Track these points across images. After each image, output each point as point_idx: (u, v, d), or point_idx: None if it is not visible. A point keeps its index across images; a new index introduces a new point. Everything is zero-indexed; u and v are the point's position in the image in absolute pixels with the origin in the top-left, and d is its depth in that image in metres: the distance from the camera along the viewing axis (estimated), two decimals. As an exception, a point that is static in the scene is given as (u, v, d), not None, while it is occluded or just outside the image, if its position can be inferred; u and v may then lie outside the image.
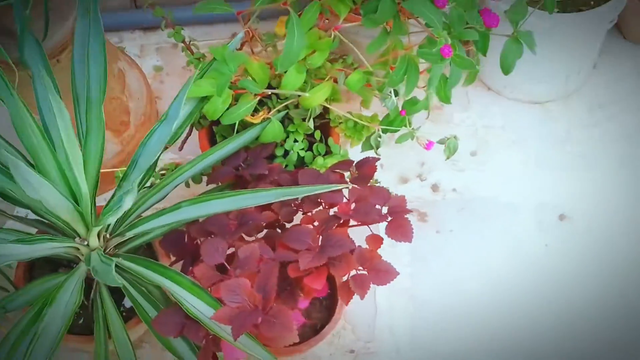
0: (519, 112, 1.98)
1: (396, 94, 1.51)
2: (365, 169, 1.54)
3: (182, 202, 1.39)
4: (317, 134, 1.63)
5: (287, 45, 1.36)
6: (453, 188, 1.87)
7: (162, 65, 2.07)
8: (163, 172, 1.60)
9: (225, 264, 1.35)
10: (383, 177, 1.86)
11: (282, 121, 1.58)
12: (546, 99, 1.97)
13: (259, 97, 1.49)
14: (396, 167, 1.88)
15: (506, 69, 1.46)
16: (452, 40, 1.37)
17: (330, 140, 1.63)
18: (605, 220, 1.81)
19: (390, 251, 1.45)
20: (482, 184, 1.88)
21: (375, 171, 1.55)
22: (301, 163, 1.63)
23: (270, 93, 1.50)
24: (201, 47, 1.66)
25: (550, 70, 1.89)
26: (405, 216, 1.46)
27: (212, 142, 1.67)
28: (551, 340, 1.67)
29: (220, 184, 1.56)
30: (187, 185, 1.56)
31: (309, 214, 1.47)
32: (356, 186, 1.47)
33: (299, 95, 1.52)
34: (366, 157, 1.54)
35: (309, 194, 1.38)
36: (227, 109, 1.47)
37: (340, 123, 1.64)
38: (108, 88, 1.74)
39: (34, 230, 1.44)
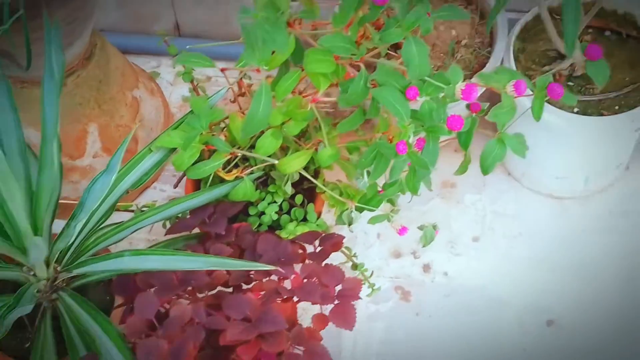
0: (533, 203, 1.88)
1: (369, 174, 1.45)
2: (328, 245, 1.49)
3: (125, 251, 1.37)
4: (298, 199, 1.60)
5: (251, 112, 1.33)
6: (445, 272, 1.79)
7: (191, 96, 2.07)
8: (145, 208, 1.60)
9: (154, 321, 1.33)
10: (377, 248, 1.83)
11: (265, 180, 1.54)
12: (564, 195, 1.87)
13: (230, 156, 1.46)
14: (393, 240, 1.82)
15: (485, 169, 1.39)
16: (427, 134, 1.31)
17: (311, 207, 1.59)
18: (594, 337, 1.69)
19: (366, 326, 1.48)
20: (476, 273, 1.79)
21: (340, 248, 1.51)
22: (278, 225, 1.59)
23: (239, 154, 1.46)
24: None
25: (568, 168, 1.80)
26: (352, 302, 1.41)
27: (199, 186, 1.65)
28: None
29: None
30: (164, 226, 1.56)
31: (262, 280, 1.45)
32: (310, 262, 1.43)
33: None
34: (332, 234, 1.51)
35: (236, 269, 1.34)
36: (199, 162, 1.46)
37: (325, 191, 1.59)
38: (117, 115, 1.79)
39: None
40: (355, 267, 1.58)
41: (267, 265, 1.33)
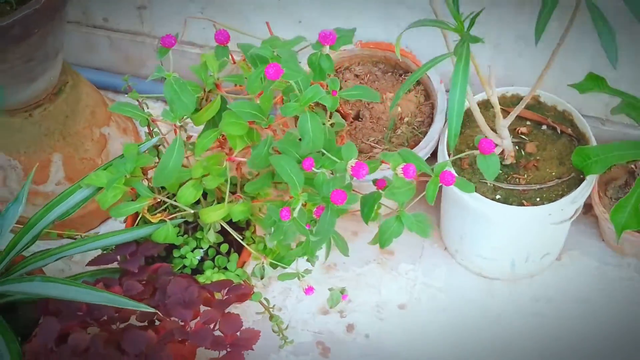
0: (463, 280, 1.92)
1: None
2: (234, 295, 1.55)
3: (36, 276, 1.45)
4: (224, 247, 1.67)
5: (162, 163, 1.41)
6: (366, 333, 1.84)
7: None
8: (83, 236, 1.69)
9: (54, 347, 1.40)
10: (308, 303, 1.87)
11: (196, 226, 1.62)
12: (493, 275, 1.90)
13: (153, 200, 1.53)
14: (324, 296, 1.86)
15: (382, 243, 1.44)
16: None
17: (234, 256, 1.66)
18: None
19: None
20: (396, 339, 1.83)
21: (246, 299, 1.56)
22: (202, 269, 1.65)
23: (159, 200, 1.54)
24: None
25: (495, 251, 1.84)
26: (243, 353, 1.46)
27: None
28: None
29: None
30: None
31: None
32: (208, 308, 1.49)
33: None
34: (240, 285, 1.57)
35: (123, 307, 1.40)
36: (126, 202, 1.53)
37: (252, 242, 1.65)
38: (82, 149, 1.88)
39: None
40: (271, 318, 1.63)
41: (149, 307, 1.39)
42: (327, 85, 1.42)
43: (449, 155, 1.69)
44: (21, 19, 1.52)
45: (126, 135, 2.02)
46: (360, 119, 1.83)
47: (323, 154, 1.36)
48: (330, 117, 1.53)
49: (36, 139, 1.84)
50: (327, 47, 1.35)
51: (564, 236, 1.85)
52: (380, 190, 1.44)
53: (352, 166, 1.33)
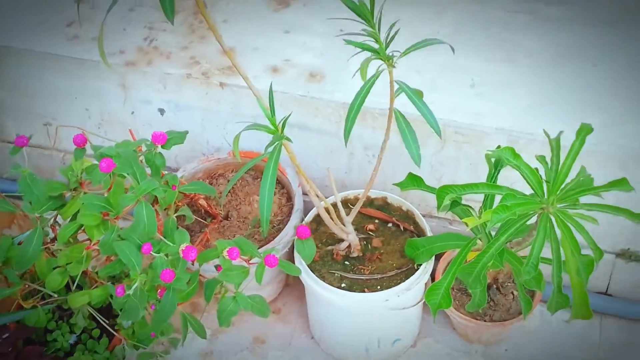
0: None
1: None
2: None
3: None
4: (95, 332, 1.76)
5: (23, 250, 1.53)
6: None
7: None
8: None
9: None
10: None
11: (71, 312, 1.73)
12: None
13: (25, 287, 1.66)
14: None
15: (220, 322, 1.55)
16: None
17: (104, 341, 1.76)
18: None
19: None
20: None
21: None
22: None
23: (28, 286, 1.66)
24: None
25: (348, 336, 1.95)
26: None
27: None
28: None
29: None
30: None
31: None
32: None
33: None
34: None
35: None
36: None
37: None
38: None
39: None
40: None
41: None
42: (166, 181, 1.57)
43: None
44: None
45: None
46: (229, 219, 1.98)
47: (160, 240, 1.50)
48: (176, 211, 1.67)
49: None
50: (159, 146, 1.51)
51: (415, 324, 1.97)
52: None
53: (182, 249, 1.48)
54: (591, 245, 1.46)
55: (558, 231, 1.46)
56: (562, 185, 1.47)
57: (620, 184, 1.43)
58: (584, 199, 1.46)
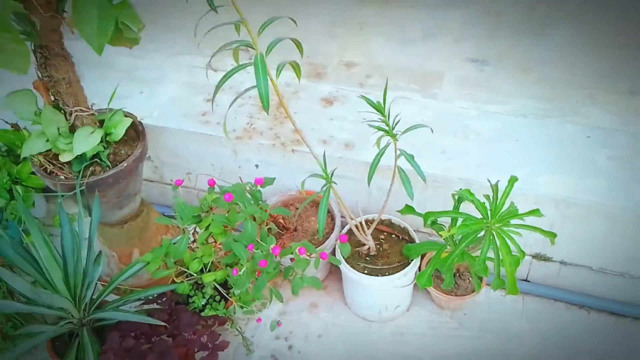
0: (354, 321, 1.97)
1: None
2: (218, 321, 1.69)
3: (111, 306, 1.62)
4: (217, 298, 1.79)
5: (176, 247, 1.59)
6: (299, 351, 1.90)
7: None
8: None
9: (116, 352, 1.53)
10: (266, 329, 1.95)
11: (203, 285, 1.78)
12: (371, 319, 1.99)
13: (177, 269, 1.72)
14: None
15: (293, 292, 1.58)
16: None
17: (222, 303, 1.79)
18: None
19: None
20: (315, 352, 1.87)
21: (224, 324, 1.69)
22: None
23: (179, 269, 1.72)
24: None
25: (368, 304, 1.95)
26: (218, 353, 1.57)
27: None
28: None
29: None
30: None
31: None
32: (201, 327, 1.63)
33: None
34: (224, 317, 1.70)
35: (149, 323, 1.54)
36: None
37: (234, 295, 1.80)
38: (150, 246, 2.01)
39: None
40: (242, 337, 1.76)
41: (166, 324, 1.53)
42: (261, 207, 1.64)
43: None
44: (113, 174, 1.66)
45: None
46: (296, 231, 2.00)
47: (258, 242, 1.56)
48: (267, 225, 1.72)
49: (125, 240, 1.95)
50: (259, 186, 1.57)
51: (409, 297, 1.97)
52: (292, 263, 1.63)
53: (271, 248, 1.53)
54: (517, 250, 1.49)
55: (497, 240, 1.49)
56: (500, 213, 1.50)
57: (535, 212, 1.47)
58: (513, 221, 1.49)
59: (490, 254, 1.47)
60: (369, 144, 1.98)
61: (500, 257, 1.46)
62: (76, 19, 1.30)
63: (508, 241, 1.45)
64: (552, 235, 1.48)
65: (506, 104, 2.13)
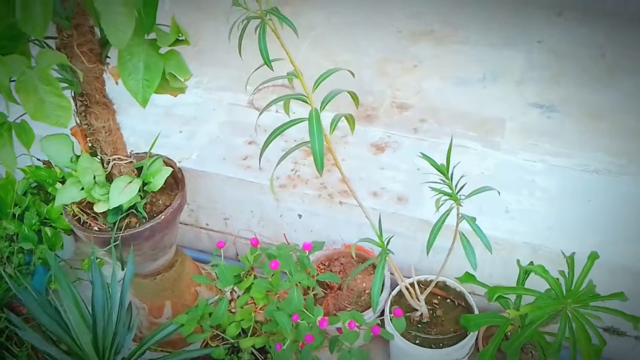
0: None
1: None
2: None
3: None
4: None
5: (216, 312, 1.53)
6: None
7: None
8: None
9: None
10: None
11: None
12: None
13: (212, 333, 1.65)
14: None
15: None
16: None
17: None
18: None
19: None
20: None
21: None
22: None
23: (214, 332, 1.65)
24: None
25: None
26: None
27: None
28: None
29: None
30: None
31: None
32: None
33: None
34: None
35: None
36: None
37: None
38: (183, 299, 1.98)
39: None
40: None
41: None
42: (309, 272, 1.57)
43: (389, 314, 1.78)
44: (150, 227, 1.63)
45: (211, 291, 2.14)
46: (341, 290, 1.94)
47: (303, 312, 1.49)
48: (313, 290, 1.65)
49: (157, 292, 1.92)
50: (307, 252, 1.51)
51: None
52: (339, 334, 1.55)
53: (319, 320, 1.46)
54: (597, 336, 1.38)
55: (574, 323, 1.39)
56: (577, 293, 1.40)
57: (619, 296, 1.36)
58: (592, 303, 1.39)
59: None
60: (424, 198, 1.90)
61: (578, 348, 1.36)
62: (121, 69, 1.26)
63: (587, 327, 1.34)
64: (635, 320, 1.36)
65: (576, 157, 2.02)
